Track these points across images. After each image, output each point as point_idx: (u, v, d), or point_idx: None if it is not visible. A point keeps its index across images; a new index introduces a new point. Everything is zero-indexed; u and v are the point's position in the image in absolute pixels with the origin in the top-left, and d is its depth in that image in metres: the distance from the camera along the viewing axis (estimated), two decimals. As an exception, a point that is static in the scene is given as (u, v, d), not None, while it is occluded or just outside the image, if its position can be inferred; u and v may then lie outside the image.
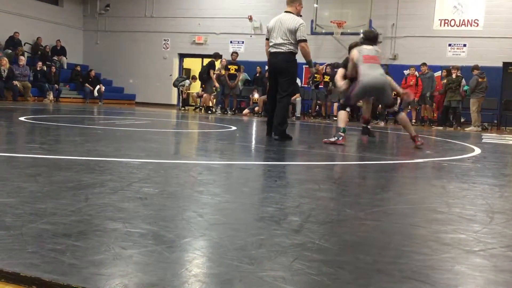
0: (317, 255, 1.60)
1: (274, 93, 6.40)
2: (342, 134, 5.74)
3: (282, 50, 6.19)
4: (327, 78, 15.08)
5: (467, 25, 16.27)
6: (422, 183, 3.52)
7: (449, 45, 16.43)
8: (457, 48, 16.37)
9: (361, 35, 7.27)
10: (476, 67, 13.24)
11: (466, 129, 13.11)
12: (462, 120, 14.11)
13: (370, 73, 6.02)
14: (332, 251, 1.67)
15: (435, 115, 14.55)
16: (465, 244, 1.85)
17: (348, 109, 6.19)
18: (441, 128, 13.23)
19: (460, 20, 16.32)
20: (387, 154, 5.93)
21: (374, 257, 1.63)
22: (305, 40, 6.19)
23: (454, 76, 13.40)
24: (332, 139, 5.76)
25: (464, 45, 16.29)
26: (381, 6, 16.85)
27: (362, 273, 1.48)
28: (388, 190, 3.14)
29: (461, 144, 7.50)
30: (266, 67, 6.79)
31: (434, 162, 4.83)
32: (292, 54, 6.26)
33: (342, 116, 6.06)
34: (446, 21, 16.46)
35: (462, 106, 13.69)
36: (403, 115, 6.29)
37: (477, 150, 6.31)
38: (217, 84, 15.29)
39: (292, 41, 6.16)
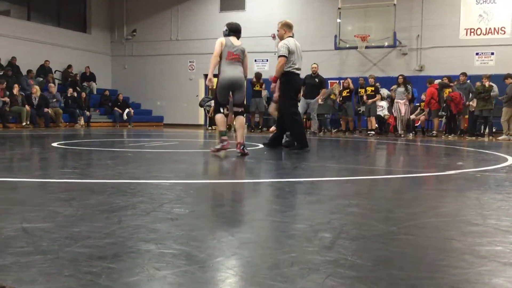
0: (350, 272, 1.59)
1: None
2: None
3: (300, 73, 6.95)
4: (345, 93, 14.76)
5: (494, 33, 16.03)
6: (455, 195, 3.46)
7: (477, 54, 16.20)
8: (484, 57, 16.13)
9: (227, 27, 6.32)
10: (510, 75, 12.93)
11: (498, 138, 12.82)
12: (494, 129, 13.82)
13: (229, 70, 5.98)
14: (366, 267, 1.66)
15: (465, 124, 14.23)
16: (502, 256, 1.81)
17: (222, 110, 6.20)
18: (473, 138, 12.98)
19: (486, 28, 16.10)
20: (418, 166, 5.85)
21: (408, 273, 1.61)
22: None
23: (486, 85, 13.13)
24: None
25: (492, 54, 16.04)
26: (405, 18, 16.76)
27: (396, 289, 1.46)
28: (420, 204, 3.10)
29: (493, 154, 7.34)
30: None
31: (467, 173, 4.74)
32: None
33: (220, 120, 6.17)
34: (472, 30, 16.27)
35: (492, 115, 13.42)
36: (241, 118, 6.27)
37: (510, 160, 6.17)
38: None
39: None
